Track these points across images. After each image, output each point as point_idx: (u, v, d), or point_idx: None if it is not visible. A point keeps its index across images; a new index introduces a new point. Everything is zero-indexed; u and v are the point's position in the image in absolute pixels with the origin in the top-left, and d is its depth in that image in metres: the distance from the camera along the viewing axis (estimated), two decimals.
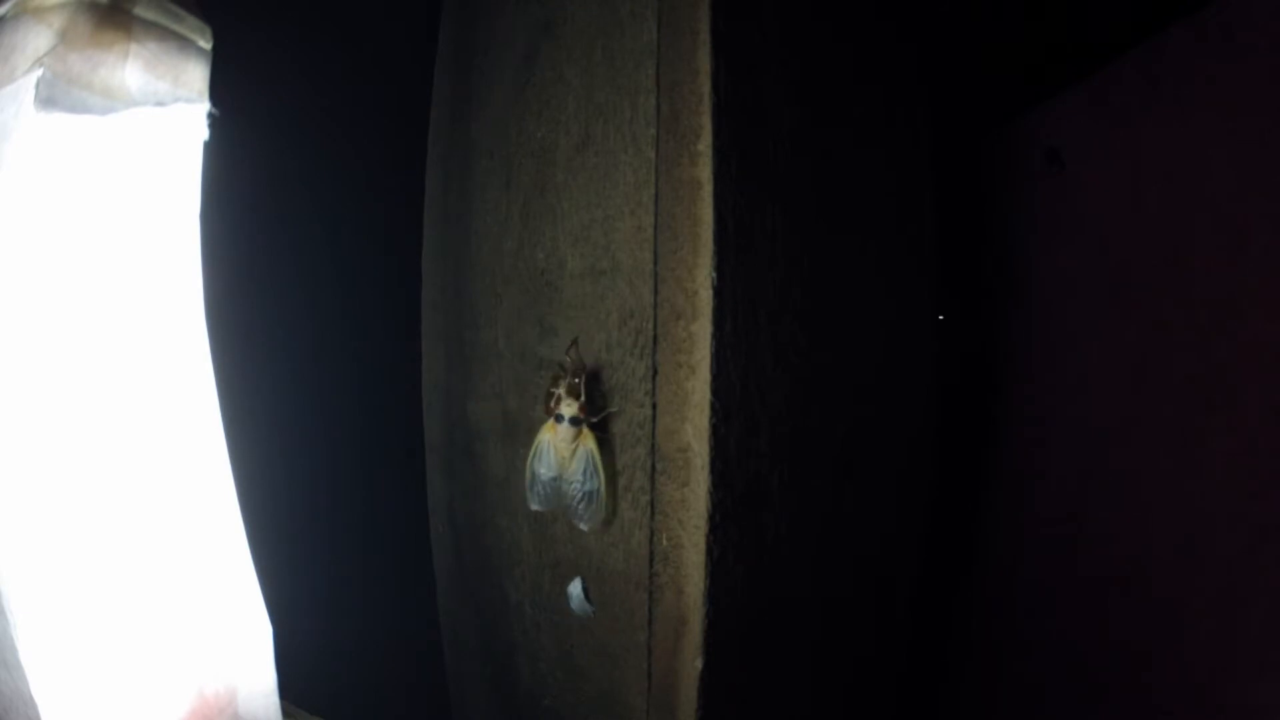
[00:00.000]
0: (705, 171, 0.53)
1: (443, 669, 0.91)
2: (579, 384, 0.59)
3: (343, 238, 1.00)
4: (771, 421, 0.57)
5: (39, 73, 0.44)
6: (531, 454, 0.62)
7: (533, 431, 0.67)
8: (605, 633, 0.63)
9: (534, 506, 0.64)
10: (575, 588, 0.64)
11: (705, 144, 0.53)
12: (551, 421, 0.60)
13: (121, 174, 0.48)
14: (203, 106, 0.51)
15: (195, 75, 0.51)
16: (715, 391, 0.53)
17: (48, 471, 0.46)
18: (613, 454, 0.60)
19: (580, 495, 0.60)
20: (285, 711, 0.57)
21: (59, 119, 0.45)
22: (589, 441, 0.59)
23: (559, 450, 0.60)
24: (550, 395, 0.60)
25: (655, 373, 0.56)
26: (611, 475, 0.60)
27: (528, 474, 0.63)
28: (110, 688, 0.48)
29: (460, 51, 0.80)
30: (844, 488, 0.64)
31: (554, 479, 0.61)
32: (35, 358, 0.46)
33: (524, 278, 0.69)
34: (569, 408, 0.58)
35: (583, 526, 0.60)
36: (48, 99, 0.44)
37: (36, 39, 0.45)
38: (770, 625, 0.60)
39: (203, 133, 0.52)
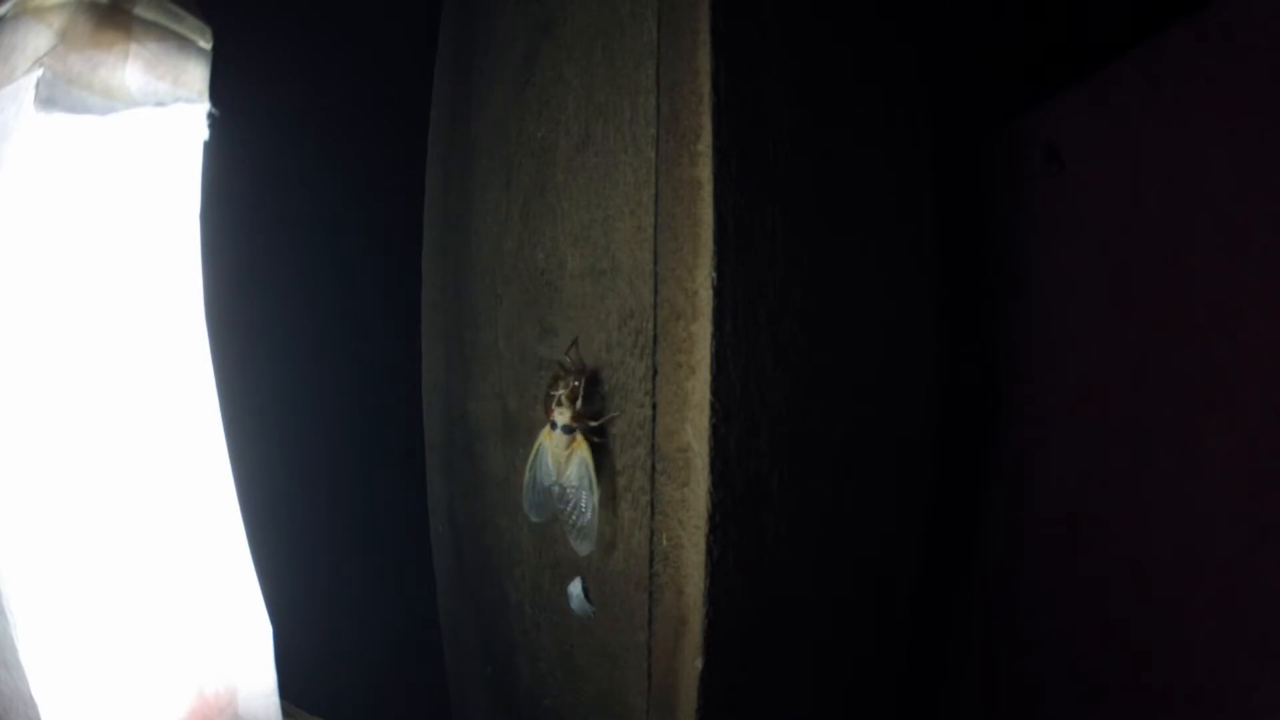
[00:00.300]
0: (705, 171, 0.53)
1: (443, 669, 0.91)
2: (577, 387, 0.59)
3: (343, 238, 1.00)
4: (771, 421, 0.57)
5: (39, 73, 0.44)
6: (530, 459, 0.62)
7: (533, 432, 0.67)
8: (605, 633, 0.63)
9: (533, 519, 0.64)
10: (575, 588, 0.64)
11: (705, 144, 0.53)
12: (548, 427, 0.60)
13: (121, 174, 0.48)
14: (203, 106, 0.51)
15: (195, 75, 0.51)
16: (715, 391, 0.53)
17: (48, 471, 0.46)
18: (611, 468, 0.60)
19: (575, 503, 0.60)
20: (285, 711, 0.57)
21: (59, 119, 0.45)
22: (583, 449, 0.59)
23: (555, 455, 0.60)
24: (549, 397, 0.60)
25: (655, 373, 0.56)
26: (606, 493, 0.60)
27: (526, 479, 0.63)
28: (110, 688, 0.48)
29: (460, 51, 0.80)
30: (844, 488, 0.64)
31: (552, 484, 0.61)
32: (35, 358, 0.46)
33: (524, 278, 0.69)
34: (562, 415, 0.58)
35: (577, 547, 0.60)
36: (48, 99, 0.44)
37: (36, 39, 0.45)
38: (770, 625, 0.60)
39: (203, 133, 0.52)
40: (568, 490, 0.60)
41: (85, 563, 0.47)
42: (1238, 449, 0.60)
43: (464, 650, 0.85)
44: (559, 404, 0.59)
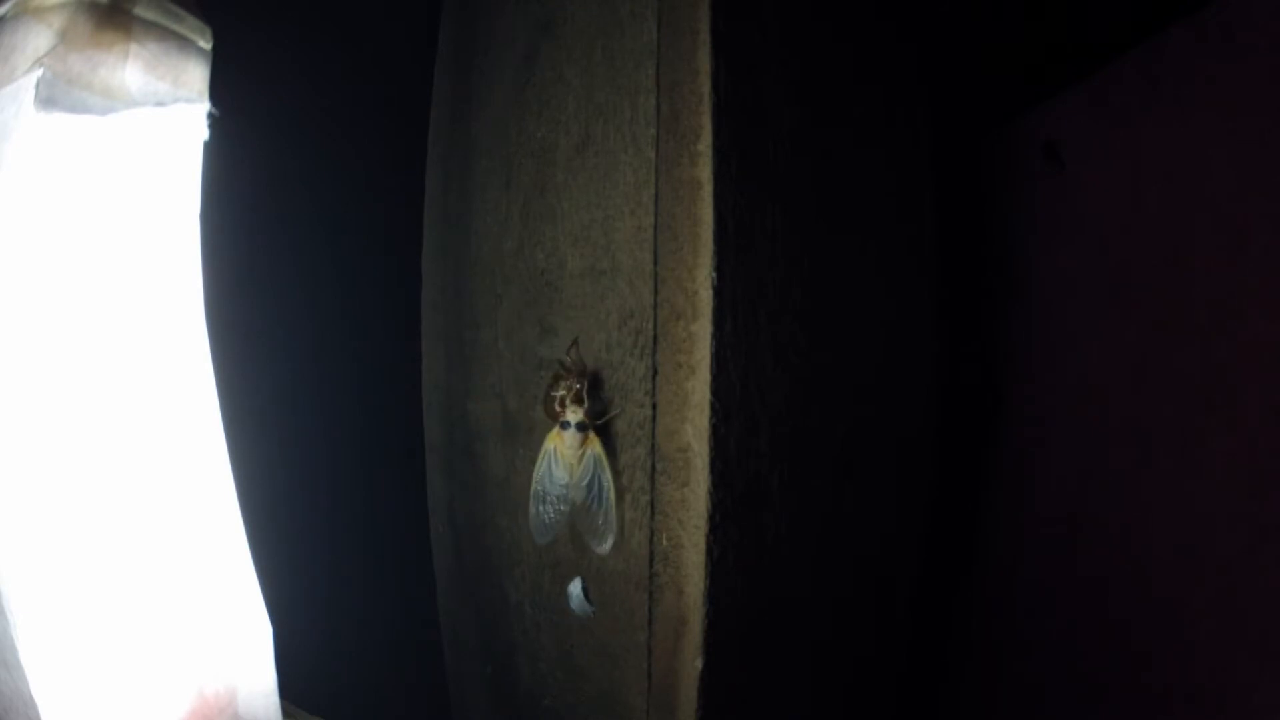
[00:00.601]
0: (705, 171, 0.53)
1: (443, 669, 0.91)
2: (580, 389, 0.59)
3: (343, 238, 1.00)
4: (771, 421, 0.57)
5: (39, 73, 0.44)
6: (538, 470, 0.61)
7: (533, 431, 0.67)
8: (605, 633, 0.63)
9: (540, 540, 0.63)
10: (575, 588, 0.64)
11: (705, 144, 0.53)
12: (557, 429, 0.59)
13: (121, 174, 0.48)
14: (203, 106, 0.51)
15: (195, 75, 0.51)
16: (715, 391, 0.53)
17: (48, 471, 0.46)
18: (618, 467, 0.60)
19: (591, 503, 0.59)
20: (285, 711, 0.57)
21: (59, 119, 0.45)
22: (596, 446, 0.59)
23: (566, 457, 0.60)
24: (551, 399, 0.60)
25: (655, 373, 0.56)
26: (620, 491, 0.59)
27: (532, 492, 0.62)
28: (110, 688, 0.48)
29: (460, 51, 0.80)
30: (844, 488, 0.64)
31: (565, 487, 0.60)
32: (35, 358, 0.46)
33: (524, 278, 0.69)
34: (575, 414, 0.58)
35: (596, 547, 0.60)
36: (48, 99, 0.44)
37: (36, 39, 0.45)
38: (770, 625, 0.60)
39: (203, 133, 0.52)
40: (581, 490, 0.59)
41: (85, 563, 0.47)
42: (1238, 449, 0.60)
43: (464, 650, 0.85)
44: (562, 404, 0.58)
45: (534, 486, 0.62)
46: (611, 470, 0.59)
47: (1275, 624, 0.57)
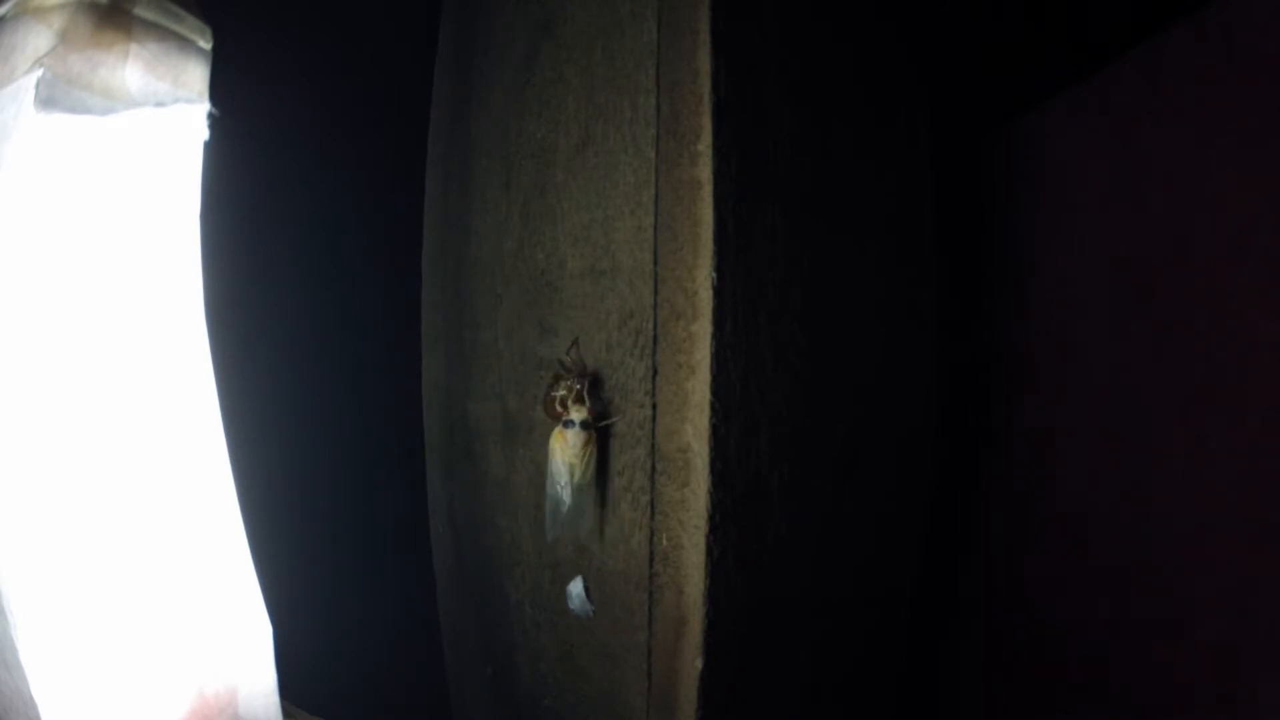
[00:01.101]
0: (705, 171, 0.53)
1: (443, 669, 0.91)
2: (580, 389, 0.59)
3: (343, 238, 1.00)
4: (771, 421, 0.57)
5: (39, 73, 0.44)
6: (548, 476, 0.62)
7: (533, 431, 0.67)
8: (605, 633, 0.63)
9: (550, 538, 0.63)
10: (575, 587, 0.64)
11: (705, 144, 0.53)
12: (559, 430, 0.59)
13: (121, 174, 0.48)
14: (203, 106, 0.51)
15: (195, 75, 0.51)
16: (715, 391, 0.53)
17: (48, 472, 0.46)
18: (610, 468, 0.60)
19: (593, 503, 0.60)
20: (285, 711, 0.57)
21: (59, 119, 0.45)
22: (593, 444, 0.59)
23: (568, 457, 0.60)
24: (551, 399, 0.60)
25: (655, 373, 0.56)
26: (603, 484, 0.60)
27: (547, 494, 0.62)
28: (110, 688, 0.48)
29: (460, 51, 0.80)
30: (844, 488, 0.64)
31: (565, 487, 0.61)
32: (35, 358, 0.46)
33: (524, 278, 0.69)
34: (578, 413, 0.58)
35: (594, 546, 0.60)
36: (48, 99, 0.44)
37: (36, 39, 0.45)
38: (770, 625, 0.60)
39: (203, 133, 0.52)
40: (583, 490, 0.60)
41: (85, 563, 0.47)
42: (1240, 449, 0.60)
43: (464, 650, 0.85)
44: (563, 404, 0.59)
45: (547, 489, 0.62)
46: (612, 470, 0.59)
47: (1277, 624, 0.57)
